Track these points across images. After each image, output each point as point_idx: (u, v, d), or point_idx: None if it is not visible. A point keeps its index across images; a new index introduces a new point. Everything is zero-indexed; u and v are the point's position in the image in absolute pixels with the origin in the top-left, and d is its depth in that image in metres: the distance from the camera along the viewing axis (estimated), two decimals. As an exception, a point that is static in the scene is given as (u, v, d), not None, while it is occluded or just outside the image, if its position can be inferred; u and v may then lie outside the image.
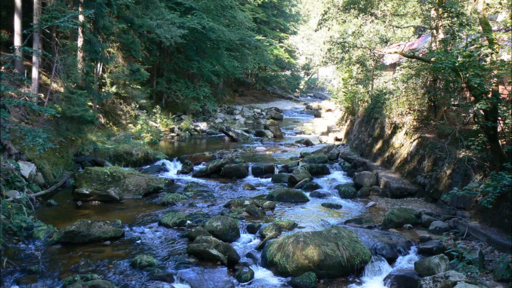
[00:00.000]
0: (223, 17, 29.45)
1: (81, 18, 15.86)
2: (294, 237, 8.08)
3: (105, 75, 21.16)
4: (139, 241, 9.04)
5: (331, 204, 11.94)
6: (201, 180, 14.59)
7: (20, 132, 10.53)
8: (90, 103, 18.31)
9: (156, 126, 23.17)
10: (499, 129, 9.43)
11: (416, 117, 14.20)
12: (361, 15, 18.33)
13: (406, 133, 14.27)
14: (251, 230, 9.82)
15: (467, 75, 8.77)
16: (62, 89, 15.90)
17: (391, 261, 8.25)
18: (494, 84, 9.17)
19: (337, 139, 22.94)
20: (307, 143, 22.08)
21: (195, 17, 25.92)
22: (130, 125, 21.93)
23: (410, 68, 15.32)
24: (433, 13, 14.66)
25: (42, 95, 15.03)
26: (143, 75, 21.83)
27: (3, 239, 7.98)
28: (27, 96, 12.93)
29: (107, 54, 18.96)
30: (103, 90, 20.54)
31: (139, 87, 23.54)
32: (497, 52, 9.50)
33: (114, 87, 21.31)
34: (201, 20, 25.75)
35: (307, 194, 12.86)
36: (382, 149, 15.82)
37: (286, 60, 46.38)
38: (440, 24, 13.65)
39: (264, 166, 15.62)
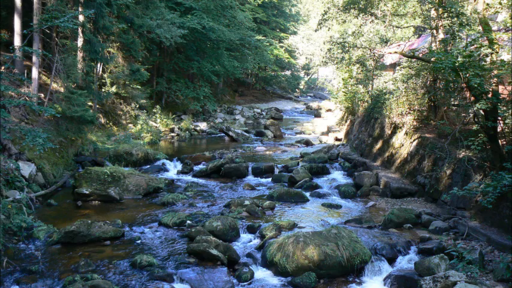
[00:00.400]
0: (223, 17, 29.45)
1: (81, 18, 15.86)
2: (294, 237, 8.08)
3: (105, 75, 21.16)
4: (139, 241, 9.04)
5: (331, 204, 11.94)
6: (201, 180, 14.59)
7: (20, 132, 10.53)
8: (90, 103, 18.31)
9: (156, 126, 23.17)
10: (499, 129, 9.43)
11: (416, 117, 14.20)
12: (361, 15, 18.33)
13: (406, 133, 14.27)
14: (251, 230, 9.82)
15: (467, 75, 8.77)
16: (62, 89, 15.90)
17: (391, 261, 8.25)
18: (494, 84, 9.17)
19: (337, 139, 22.94)
20: (307, 143, 22.08)
21: (195, 17, 25.92)
22: (130, 125, 21.93)
23: (410, 68, 15.32)
24: (433, 13, 14.66)
25: (42, 95, 15.04)
26: (143, 75, 21.84)
27: (3, 239, 7.98)
28: (27, 96, 12.93)
29: (107, 54, 18.96)
30: (103, 90, 20.54)
31: (139, 87, 23.55)
32: (497, 52, 9.50)
33: (114, 87, 21.31)
34: (201, 20, 25.75)
35: (307, 194, 12.86)
36: (382, 149, 15.82)
37: (286, 60, 46.38)
38: (440, 24, 13.65)
39: (264, 166, 15.62)
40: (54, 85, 16.12)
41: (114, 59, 20.10)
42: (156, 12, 22.90)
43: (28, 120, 13.59)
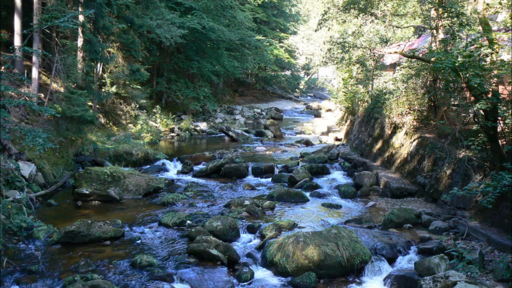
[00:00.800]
0: (223, 17, 29.45)
1: (81, 18, 15.86)
2: (294, 237, 8.08)
3: (105, 75, 21.16)
4: (139, 241, 9.04)
5: (331, 204, 11.94)
6: (201, 180, 14.59)
7: (20, 132, 10.53)
8: (90, 103, 18.31)
9: (156, 126, 23.17)
10: (499, 129, 9.43)
11: (416, 117, 14.20)
12: (361, 15, 18.33)
13: (406, 133, 14.27)
14: (251, 230, 9.82)
15: (467, 75, 8.77)
16: (62, 89, 15.90)
17: (391, 261, 8.25)
18: (494, 84, 9.17)
19: (337, 139, 22.94)
20: (307, 143, 22.08)
21: (195, 17, 25.93)
22: (130, 125, 21.93)
23: (410, 68, 15.32)
24: (433, 13, 14.66)
25: (42, 95, 15.03)
26: (143, 75, 21.84)
27: (3, 239, 7.98)
28: (27, 96, 12.93)
29: (107, 54, 18.96)
30: (103, 90, 20.54)
31: (139, 87, 23.55)
32: (497, 52, 9.50)
33: (114, 87, 21.31)
34: (201, 20, 25.75)
35: (307, 194, 12.86)
36: (382, 149, 15.82)
37: (286, 60, 46.38)
38: (440, 24, 13.65)
39: (264, 166, 15.62)
40: (54, 85, 16.12)
41: (114, 59, 20.10)
42: (156, 12, 22.90)
43: (28, 120, 13.59)
